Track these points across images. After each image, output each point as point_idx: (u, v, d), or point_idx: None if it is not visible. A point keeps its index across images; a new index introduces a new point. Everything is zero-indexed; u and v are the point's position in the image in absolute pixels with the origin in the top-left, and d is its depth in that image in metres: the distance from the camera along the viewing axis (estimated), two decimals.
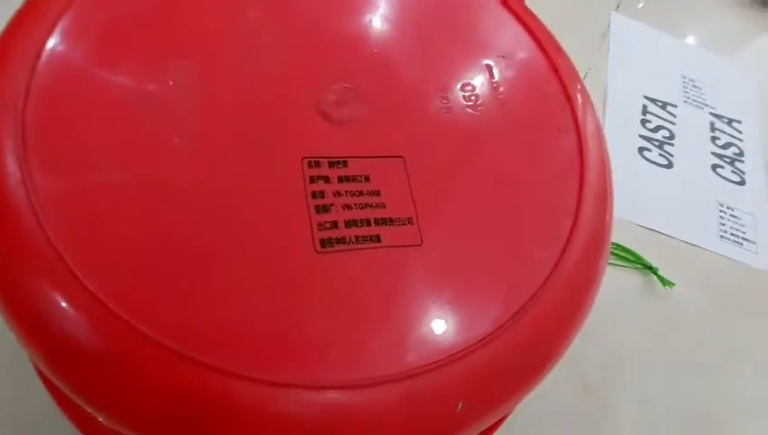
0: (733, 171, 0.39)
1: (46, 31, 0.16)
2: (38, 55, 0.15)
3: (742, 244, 0.36)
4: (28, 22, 0.16)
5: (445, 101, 0.18)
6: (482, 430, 0.15)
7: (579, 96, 0.19)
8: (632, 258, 0.32)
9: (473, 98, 0.18)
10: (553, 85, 0.19)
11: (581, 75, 0.20)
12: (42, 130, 0.15)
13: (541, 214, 0.17)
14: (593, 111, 0.20)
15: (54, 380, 0.13)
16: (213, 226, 0.14)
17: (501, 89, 0.19)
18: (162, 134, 0.15)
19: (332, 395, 0.13)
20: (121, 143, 0.15)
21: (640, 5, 0.45)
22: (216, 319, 0.13)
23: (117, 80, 0.16)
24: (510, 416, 0.23)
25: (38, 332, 0.13)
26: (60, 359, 0.13)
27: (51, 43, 0.16)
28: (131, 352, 0.12)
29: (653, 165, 0.37)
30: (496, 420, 0.15)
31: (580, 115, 0.18)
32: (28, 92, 0.15)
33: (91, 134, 0.15)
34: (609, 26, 0.42)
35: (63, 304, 0.13)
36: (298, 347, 0.13)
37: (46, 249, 0.13)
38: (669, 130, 0.39)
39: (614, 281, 0.31)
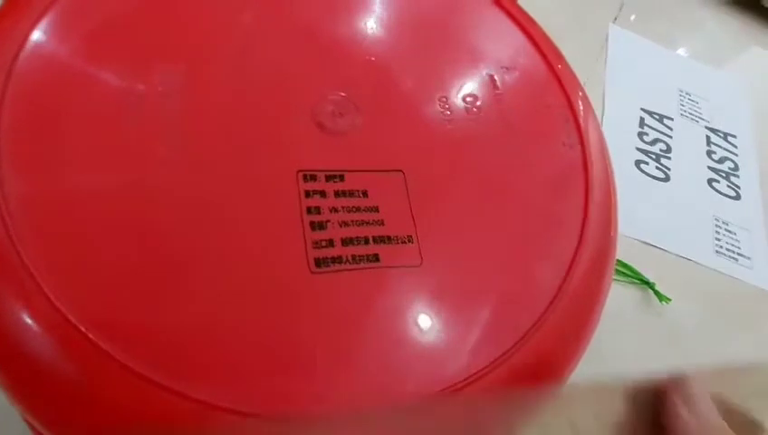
0: (728, 186, 0.39)
1: (27, 29, 0.15)
2: (17, 55, 0.14)
3: (737, 259, 0.36)
4: (8, 19, 0.15)
5: (446, 112, 0.17)
6: None
7: (581, 106, 0.19)
8: (630, 273, 0.31)
9: (474, 109, 0.17)
10: (556, 96, 0.19)
11: None
12: (18, 135, 0.14)
13: (545, 232, 0.16)
14: (596, 122, 0.19)
15: (13, 402, 0.12)
16: (199, 242, 0.13)
17: (503, 99, 0.18)
18: (148, 142, 0.14)
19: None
20: (103, 151, 0.14)
21: (632, 17, 0.45)
22: (198, 344, 0.12)
23: (101, 83, 0.15)
24: None
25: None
26: (21, 382, 0.12)
27: (31, 41, 0.15)
28: (100, 379, 0.11)
29: (650, 178, 0.36)
30: None
31: (583, 127, 0.18)
32: (4, 94, 0.14)
33: (70, 140, 0.14)
34: (606, 38, 0.42)
35: (29, 324, 0.12)
36: (285, 377, 0.12)
37: (14, 262, 0.12)
38: (666, 144, 0.39)
39: (611, 296, 0.30)
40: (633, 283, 0.31)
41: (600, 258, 0.16)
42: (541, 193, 0.17)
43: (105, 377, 0.11)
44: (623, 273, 0.30)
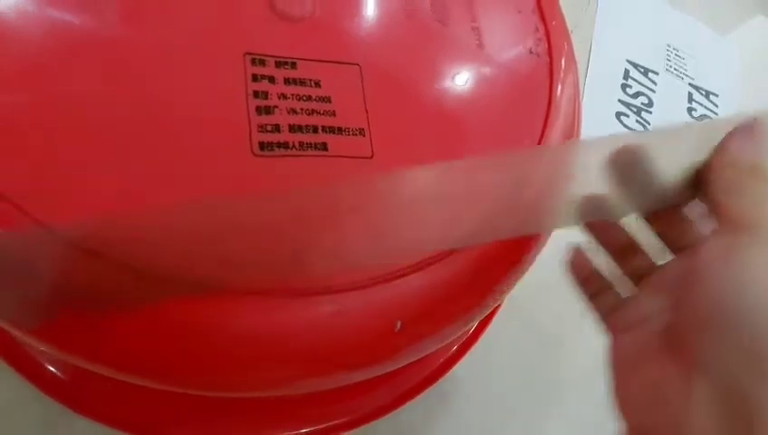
0: None
1: None
2: None
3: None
4: None
5: (410, 8, 0.16)
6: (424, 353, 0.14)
7: (551, 12, 0.18)
8: None
9: (441, 9, 0.17)
10: (527, 2, 0.18)
11: None
12: None
13: (503, 136, 0.16)
14: (567, 34, 0.18)
15: None
16: (139, 117, 0.13)
17: (473, 3, 0.17)
18: (89, 15, 0.13)
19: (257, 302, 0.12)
20: (42, 27, 0.13)
21: None
22: (137, 219, 0.12)
23: None
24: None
25: None
26: None
27: None
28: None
29: (629, 131, 0.36)
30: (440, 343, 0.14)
31: (552, 37, 0.17)
32: None
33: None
34: None
35: None
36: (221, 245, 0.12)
37: None
38: (648, 98, 0.38)
39: (573, 236, 0.31)
40: None
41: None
42: (502, 97, 0.16)
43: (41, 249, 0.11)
44: None
